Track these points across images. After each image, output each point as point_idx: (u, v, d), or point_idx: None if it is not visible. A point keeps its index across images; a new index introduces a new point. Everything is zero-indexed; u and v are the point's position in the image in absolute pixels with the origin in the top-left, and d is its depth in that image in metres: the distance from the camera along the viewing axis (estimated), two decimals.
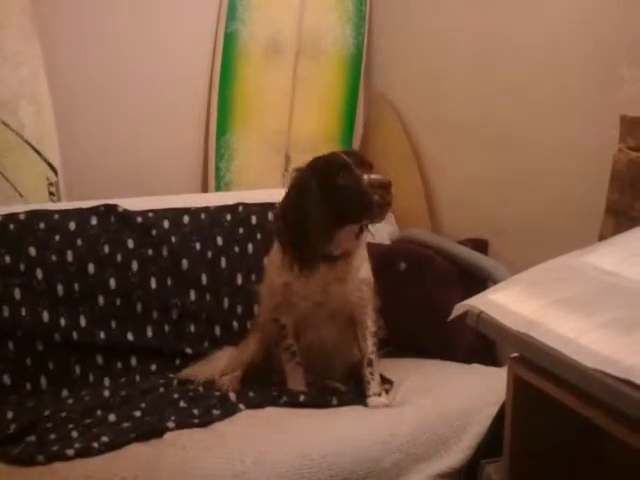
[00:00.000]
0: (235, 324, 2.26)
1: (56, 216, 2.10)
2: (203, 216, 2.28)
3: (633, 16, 1.86)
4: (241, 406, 1.83)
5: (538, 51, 2.20)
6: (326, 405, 1.84)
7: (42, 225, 2.07)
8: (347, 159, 1.79)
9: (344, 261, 1.87)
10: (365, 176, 1.75)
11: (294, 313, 1.93)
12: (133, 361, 2.10)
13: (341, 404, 1.85)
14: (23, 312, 2.00)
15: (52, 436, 1.68)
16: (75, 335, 2.04)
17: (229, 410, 1.81)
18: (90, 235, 2.12)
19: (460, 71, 2.54)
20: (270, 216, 2.35)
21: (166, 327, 2.16)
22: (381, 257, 2.13)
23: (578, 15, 2.05)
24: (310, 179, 1.81)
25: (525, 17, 2.24)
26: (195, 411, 1.80)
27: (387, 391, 1.91)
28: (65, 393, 1.98)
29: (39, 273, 2.04)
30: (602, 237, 1.62)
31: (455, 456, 1.72)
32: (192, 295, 2.21)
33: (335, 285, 1.88)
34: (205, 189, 2.82)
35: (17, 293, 2.01)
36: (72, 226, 2.11)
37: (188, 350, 2.16)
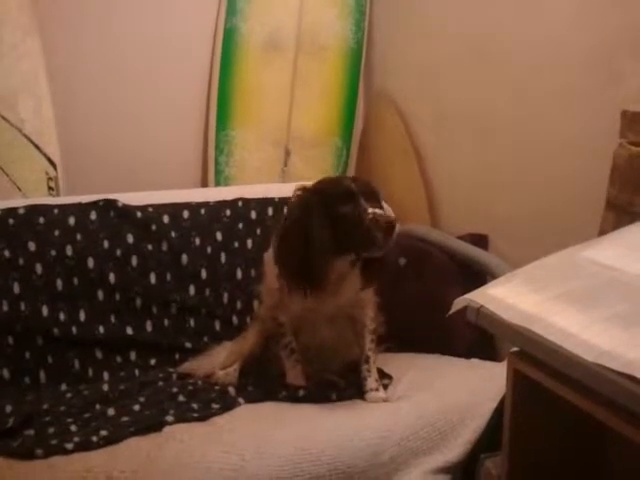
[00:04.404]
0: (235, 319, 2.25)
1: (55, 211, 2.10)
2: (203, 211, 2.28)
3: (634, 10, 1.85)
4: (240, 400, 1.83)
5: (539, 46, 2.19)
6: (325, 400, 1.84)
7: (41, 220, 2.07)
8: (353, 187, 1.76)
9: (339, 277, 1.85)
10: (370, 210, 1.72)
11: (291, 313, 1.93)
12: (132, 355, 2.10)
13: (340, 399, 1.85)
14: (22, 307, 2.00)
15: (51, 430, 1.68)
16: (74, 329, 2.04)
17: (228, 404, 1.81)
18: (89, 230, 2.11)
19: (460, 66, 2.53)
20: (270, 211, 2.35)
21: (165, 322, 2.16)
22: None
23: (579, 10, 2.04)
24: (313, 203, 1.77)
25: (525, 12, 2.24)
26: (194, 405, 1.80)
27: (386, 386, 1.91)
28: (64, 387, 1.98)
29: (38, 268, 2.04)
30: (602, 232, 1.62)
31: (454, 450, 1.73)
32: (192, 290, 2.21)
33: (330, 298, 1.86)
34: (205, 184, 2.82)
35: (16, 287, 2.00)
36: (71, 221, 2.10)
37: (187, 345, 2.16)
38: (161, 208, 2.23)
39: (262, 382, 1.93)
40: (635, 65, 1.86)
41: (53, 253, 2.06)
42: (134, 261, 2.15)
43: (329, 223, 1.75)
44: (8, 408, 1.79)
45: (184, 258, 2.21)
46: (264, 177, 2.78)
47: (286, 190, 2.31)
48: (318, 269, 1.76)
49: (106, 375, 2.04)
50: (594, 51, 1.99)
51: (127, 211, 2.17)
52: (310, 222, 1.76)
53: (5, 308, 1.98)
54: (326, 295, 1.83)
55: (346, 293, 1.89)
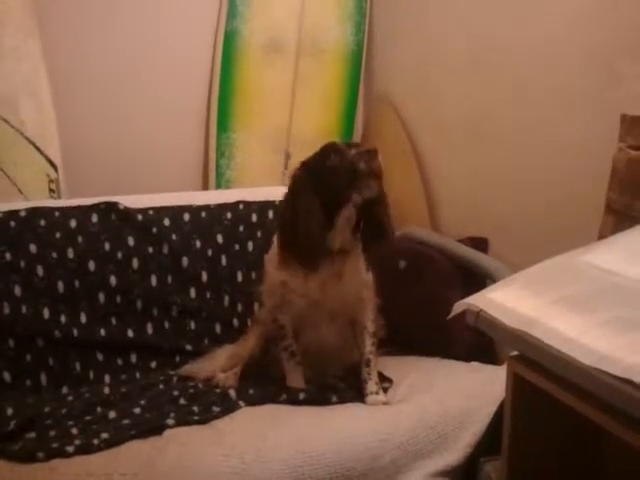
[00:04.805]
0: (235, 321, 2.26)
1: (57, 213, 2.10)
2: (203, 214, 2.28)
3: (634, 14, 1.86)
4: (241, 403, 1.84)
5: (538, 50, 2.20)
6: (326, 403, 1.84)
7: (43, 222, 2.07)
8: (339, 144, 1.81)
9: (341, 258, 1.86)
10: (352, 150, 1.76)
11: (292, 312, 1.93)
12: (133, 358, 2.10)
13: (341, 402, 1.85)
14: (23, 309, 2.00)
15: (52, 433, 1.69)
16: (75, 332, 2.05)
17: (229, 407, 1.81)
18: (91, 232, 2.12)
19: (460, 70, 2.54)
20: (271, 214, 2.36)
21: (166, 324, 2.17)
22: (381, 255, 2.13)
23: (578, 14, 2.05)
24: (302, 175, 1.82)
25: (525, 16, 2.24)
26: (195, 408, 1.81)
27: (386, 389, 1.92)
28: (65, 390, 1.98)
29: (40, 270, 2.04)
30: (602, 236, 1.62)
31: (454, 454, 1.73)
32: (192, 293, 2.22)
33: (333, 282, 1.87)
34: (206, 187, 2.82)
35: (17, 290, 2.01)
36: (73, 223, 2.11)
37: (188, 347, 2.16)
38: (162, 211, 2.23)
39: (263, 385, 1.94)
40: (635, 68, 1.86)
41: (54, 256, 2.06)
42: (135, 264, 2.15)
43: (317, 184, 1.78)
44: (9, 411, 1.79)
45: (185, 261, 2.21)
46: (265, 180, 2.78)
47: None
48: (313, 243, 1.78)
49: (107, 378, 2.05)
50: (594, 55, 1.99)
51: (128, 214, 2.18)
52: (299, 199, 1.79)
53: (6, 311, 1.98)
54: (330, 277, 1.84)
55: (350, 276, 1.88)
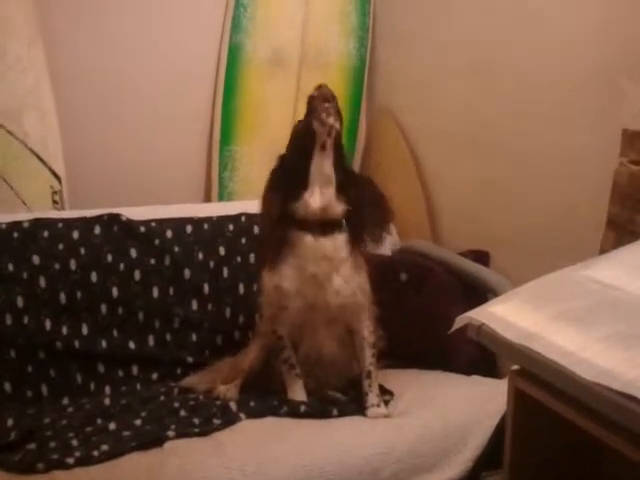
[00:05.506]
0: (237, 333, 2.26)
1: (60, 225, 2.11)
2: (206, 226, 2.29)
3: (636, 30, 1.87)
4: (242, 416, 1.83)
5: (540, 64, 2.21)
6: (327, 415, 1.84)
7: (46, 234, 2.08)
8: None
9: (328, 238, 1.85)
10: None
11: (290, 321, 1.92)
12: (134, 370, 2.10)
13: (342, 414, 1.85)
14: (25, 320, 2.01)
15: (52, 444, 1.68)
16: (77, 343, 2.05)
17: (230, 420, 1.81)
18: (93, 244, 2.13)
19: (462, 84, 2.55)
20: None
21: (168, 336, 2.17)
22: (382, 268, 2.14)
23: (580, 29, 2.06)
24: (273, 170, 1.92)
25: (527, 31, 2.25)
26: (196, 420, 1.81)
27: (387, 402, 1.91)
28: (66, 401, 1.98)
29: (42, 281, 2.05)
30: (603, 250, 1.63)
31: (455, 468, 1.73)
32: (194, 304, 2.22)
33: (323, 266, 1.84)
34: (208, 199, 2.83)
35: (20, 301, 2.01)
36: (75, 235, 2.12)
37: (189, 359, 2.16)
38: (164, 223, 2.24)
39: (263, 397, 1.93)
40: (637, 84, 1.87)
41: (57, 267, 2.07)
42: (137, 275, 2.16)
43: (284, 158, 1.91)
44: (10, 422, 1.80)
45: (187, 273, 2.22)
46: None
47: None
48: (274, 215, 1.85)
49: (108, 389, 2.05)
50: (596, 69, 2.00)
51: (131, 226, 2.19)
52: (264, 195, 1.89)
53: (8, 322, 1.99)
54: (320, 267, 1.84)
55: (341, 273, 1.86)
